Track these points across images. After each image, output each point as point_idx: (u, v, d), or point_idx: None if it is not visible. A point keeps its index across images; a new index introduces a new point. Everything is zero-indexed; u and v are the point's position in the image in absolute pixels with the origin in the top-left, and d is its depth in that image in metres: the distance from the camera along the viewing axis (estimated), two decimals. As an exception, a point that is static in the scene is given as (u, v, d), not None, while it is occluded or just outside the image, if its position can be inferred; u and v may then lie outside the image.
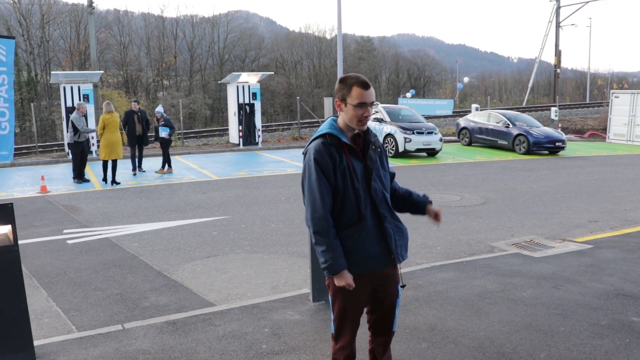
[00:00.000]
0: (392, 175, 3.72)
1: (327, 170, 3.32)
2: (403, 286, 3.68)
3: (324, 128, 3.47)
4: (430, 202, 3.73)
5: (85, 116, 14.93)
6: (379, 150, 3.53)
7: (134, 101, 17.34)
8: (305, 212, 3.44)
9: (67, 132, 15.62)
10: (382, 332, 3.74)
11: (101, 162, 14.96)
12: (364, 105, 3.31)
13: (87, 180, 15.18)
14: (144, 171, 16.74)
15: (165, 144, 16.62)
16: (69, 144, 15.28)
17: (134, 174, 16.34)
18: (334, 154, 3.33)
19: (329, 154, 3.33)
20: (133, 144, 16.38)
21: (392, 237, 3.46)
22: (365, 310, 3.71)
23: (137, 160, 16.72)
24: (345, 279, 3.35)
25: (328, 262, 3.32)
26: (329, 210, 3.34)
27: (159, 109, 16.99)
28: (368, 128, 3.52)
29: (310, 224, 3.36)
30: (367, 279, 3.48)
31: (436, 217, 3.67)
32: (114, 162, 14.85)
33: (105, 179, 14.87)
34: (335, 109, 3.53)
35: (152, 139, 17.53)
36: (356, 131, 3.44)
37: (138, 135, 16.26)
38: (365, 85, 3.32)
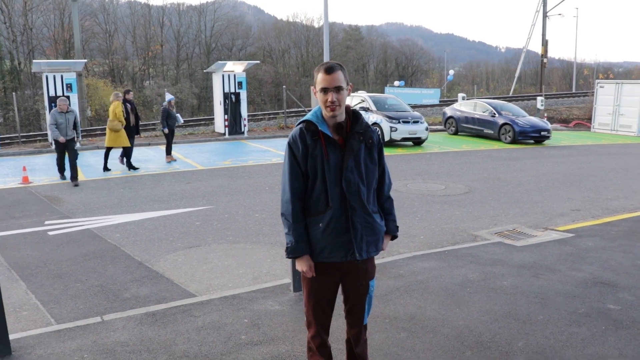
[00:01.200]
0: (383, 171, 3.65)
1: (298, 156, 3.37)
2: (361, 285, 3.63)
3: (307, 115, 3.49)
4: (392, 236, 3.76)
5: (68, 112, 13.18)
6: (369, 142, 3.48)
7: (128, 90, 16.61)
8: None
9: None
10: (353, 324, 3.75)
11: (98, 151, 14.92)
12: (327, 90, 3.30)
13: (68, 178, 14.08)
14: (137, 168, 15.43)
15: (174, 132, 16.84)
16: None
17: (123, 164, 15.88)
18: (309, 141, 3.35)
19: (303, 140, 3.36)
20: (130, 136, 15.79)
21: (359, 231, 3.44)
22: (342, 299, 3.71)
23: (127, 153, 15.76)
24: (302, 265, 3.43)
25: (288, 244, 3.43)
26: (297, 194, 3.39)
27: (172, 96, 16.90)
28: (360, 118, 3.49)
29: (280, 206, 3.46)
30: (332, 268, 3.49)
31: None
32: (124, 150, 15.19)
33: (105, 168, 15.03)
34: None
35: (164, 128, 16.84)
36: (339, 120, 3.41)
37: (132, 126, 15.72)
38: (328, 70, 3.30)
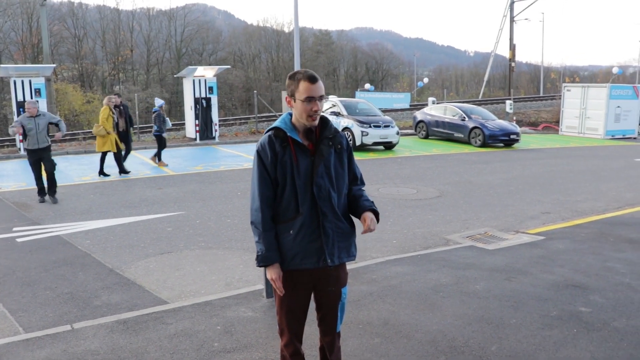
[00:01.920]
0: (354, 176, 3.65)
1: (267, 163, 3.35)
2: (332, 290, 3.60)
3: (275, 122, 3.47)
4: (371, 210, 3.56)
5: (38, 117, 11.22)
6: (339, 147, 3.48)
7: (115, 94, 16.07)
8: None
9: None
10: (327, 332, 3.73)
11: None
12: (312, 99, 3.28)
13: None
14: (128, 172, 15.07)
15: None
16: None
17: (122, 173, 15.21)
18: (278, 147, 3.33)
19: (272, 147, 3.34)
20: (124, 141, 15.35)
21: (330, 237, 3.43)
22: (315, 307, 3.69)
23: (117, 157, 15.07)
24: (271, 274, 3.40)
25: (258, 253, 3.40)
26: (266, 202, 3.37)
27: (162, 101, 16.81)
28: (329, 124, 3.48)
29: (250, 215, 3.43)
30: (303, 276, 3.47)
31: (365, 223, 3.48)
32: (115, 154, 14.74)
33: (101, 172, 14.72)
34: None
35: (157, 132, 16.67)
36: (309, 126, 3.40)
37: (121, 131, 15.13)
38: (312, 79, 3.29)
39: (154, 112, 16.66)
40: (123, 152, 15.22)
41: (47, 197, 11.64)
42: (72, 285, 6.67)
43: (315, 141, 3.42)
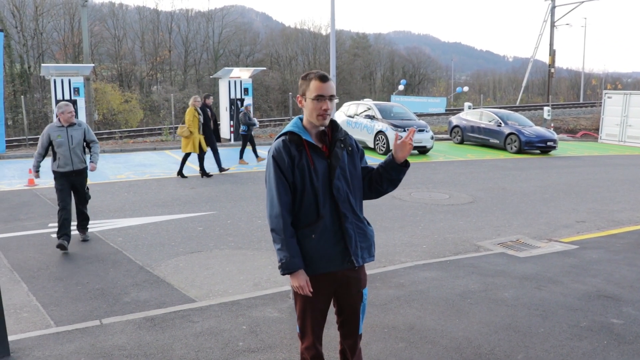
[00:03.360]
0: (369, 169, 3.60)
1: (284, 168, 3.32)
2: (356, 292, 3.57)
3: (287, 127, 3.47)
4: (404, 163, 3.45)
5: (73, 126, 8.27)
6: (349, 148, 3.47)
7: (205, 95, 16.00)
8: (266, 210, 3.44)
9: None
10: (349, 335, 3.71)
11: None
12: (322, 97, 3.30)
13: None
14: (210, 175, 15.06)
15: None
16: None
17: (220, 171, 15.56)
18: (294, 152, 3.33)
19: (288, 152, 3.33)
20: (211, 141, 15.36)
21: (353, 238, 3.41)
22: (334, 310, 3.69)
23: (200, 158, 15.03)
24: (298, 280, 3.33)
25: (282, 260, 3.32)
26: (286, 208, 3.33)
27: (249, 102, 17.25)
28: (338, 126, 3.49)
29: (268, 222, 3.37)
30: (326, 280, 3.45)
31: (398, 141, 3.39)
32: (199, 155, 14.74)
33: (179, 173, 14.80)
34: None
35: (244, 131, 17.10)
36: (321, 129, 3.40)
37: (211, 130, 15.30)
38: (323, 79, 3.31)
39: (240, 111, 17.12)
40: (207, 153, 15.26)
41: (67, 238, 8.00)
42: (103, 281, 6.78)
43: (328, 143, 3.42)
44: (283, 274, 3.37)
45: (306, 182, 3.33)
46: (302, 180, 3.33)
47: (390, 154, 3.46)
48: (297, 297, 3.53)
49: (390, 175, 3.49)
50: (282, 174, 3.33)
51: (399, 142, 3.41)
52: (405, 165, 3.46)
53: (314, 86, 3.31)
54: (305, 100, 3.37)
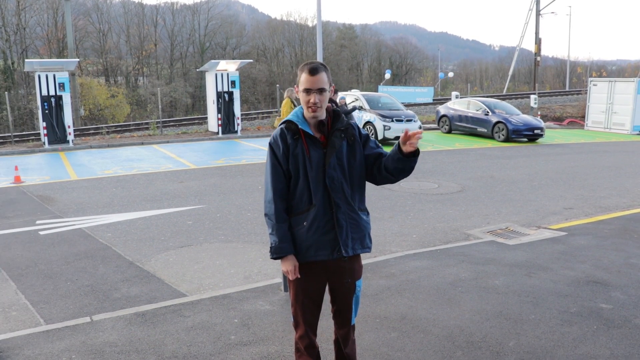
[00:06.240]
0: (379, 154, 3.48)
1: (279, 155, 3.39)
2: (347, 282, 3.56)
3: (288, 116, 3.49)
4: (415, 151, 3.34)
5: None
6: (351, 139, 3.45)
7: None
8: None
9: None
10: (341, 325, 3.73)
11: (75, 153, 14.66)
12: (309, 91, 3.30)
13: None
14: None
15: None
16: None
17: None
18: (290, 140, 3.37)
19: (284, 139, 3.38)
20: None
21: (344, 228, 3.42)
22: (329, 299, 3.69)
23: None
24: (286, 265, 3.42)
25: (272, 245, 3.41)
26: (279, 194, 3.40)
27: (343, 95, 16.82)
28: (340, 116, 3.47)
29: (263, 207, 3.47)
30: (318, 268, 3.48)
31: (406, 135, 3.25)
32: None
33: None
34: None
35: None
36: (319, 118, 3.40)
37: None
38: (312, 72, 3.30)
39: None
40: None
41: None
42: (93, 278, 6.73)
43: (327, 133, 3.42)
44: (272, 258, 3.45)
45: (300, 170, 3.36)
46: (296, 168, 3.37)
47: (397, 144, 3.36)
48: (290, 284, 3.57)
49: (396, 164, 3.38)
50: (277, 161, 3.40)
51: (407, 140, 3.25)
52: (414, 155, 3.34)
53: (303, 78, 3.33)
54: (298, 92, 3.40)
